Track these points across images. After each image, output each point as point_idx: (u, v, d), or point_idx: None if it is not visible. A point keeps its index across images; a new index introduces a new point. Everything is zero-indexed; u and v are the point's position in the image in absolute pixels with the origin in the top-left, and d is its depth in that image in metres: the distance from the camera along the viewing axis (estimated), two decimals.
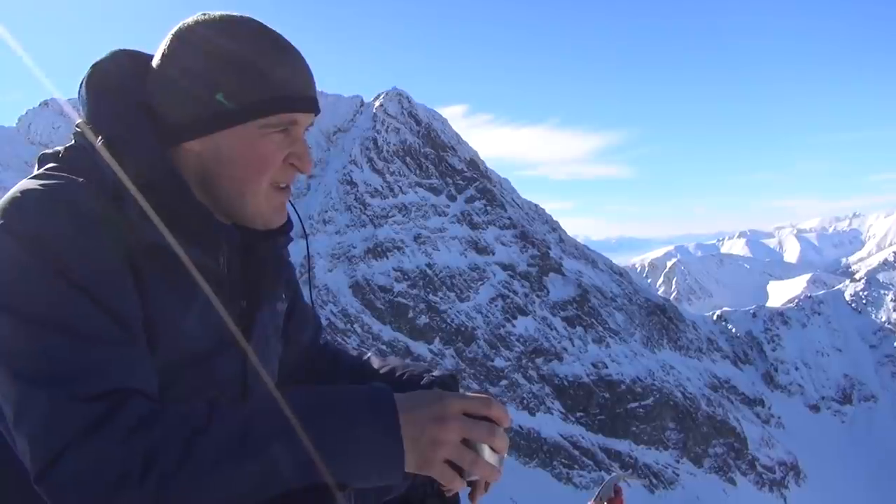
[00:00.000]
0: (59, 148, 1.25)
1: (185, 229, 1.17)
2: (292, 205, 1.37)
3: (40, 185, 1.12)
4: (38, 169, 1.22)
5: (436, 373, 1.53)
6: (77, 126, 1.26)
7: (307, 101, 1.24)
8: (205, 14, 1.24)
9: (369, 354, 1.66)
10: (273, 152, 1.22)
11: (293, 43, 1.26)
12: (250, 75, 1.18)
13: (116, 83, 1.25)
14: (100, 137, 1.20)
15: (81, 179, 1.14)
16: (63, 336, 1.02)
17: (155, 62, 1.25)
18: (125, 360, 1.05)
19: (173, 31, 1.24)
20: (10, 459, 1.06)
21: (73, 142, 1.25)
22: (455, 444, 1.04)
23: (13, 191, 1.12)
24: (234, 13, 1.24)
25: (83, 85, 1.26)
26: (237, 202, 1.24)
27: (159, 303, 1.14)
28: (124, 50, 1.31)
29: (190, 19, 1.24)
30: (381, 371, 1.58)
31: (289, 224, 1.40)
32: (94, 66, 1.27)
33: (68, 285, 1.04)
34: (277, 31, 1.26)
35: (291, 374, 1.56)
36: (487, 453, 1.06)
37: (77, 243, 1.06)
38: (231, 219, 1.28)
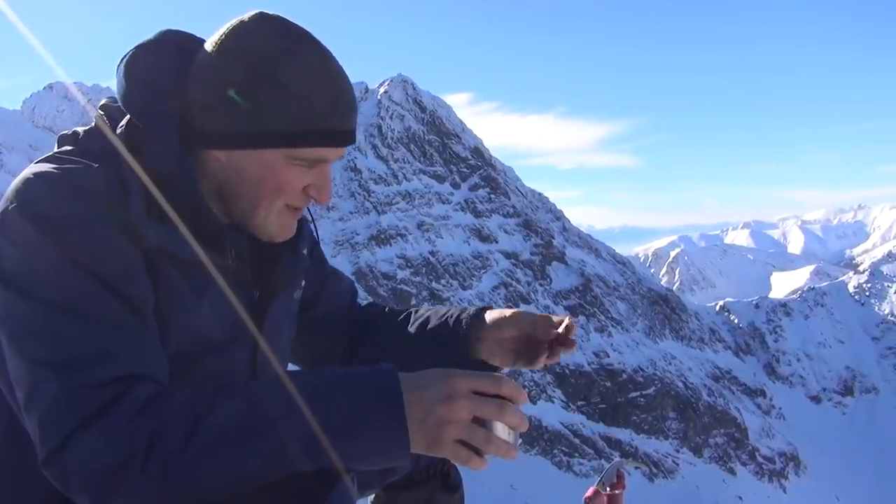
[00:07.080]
0: (80, 129, 1.23)
1: (193, 226, 1.16)
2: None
3: (54, 167, 1.10)
4: (57, 149, 1.20)
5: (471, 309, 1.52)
6: (100, 108, 1.24)
7: (343, 136, 1.20)
8: (262, 16, 1.18)
9: (418, 309, 1.62)
10: (293, 181, 1.20)
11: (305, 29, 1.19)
12: (292, 103, 1.14)
13: (156, 68, 1.20)
14: (122, 124, 1.19)
15: (96, 165, 1.12)
16: (74, 320, 1.02)
17: (201, 56, 1.19)
18: (135, 345, 1.05)
19: (226, 28, 1.18)
20: (20, 444, 1.07)
21: (93, 125, 1.22)
22: (464, 423, 1.00)
23: (26, 172, 1.11)
24: (292, 23, 1.19)
25: (123, 64, 1.21)
26: (247, 215, 1.23)
27: (172, 290, 1.14)
28: (171, 32, 1.26)
29: (247, 17, 1.18)
30: (417, 326, 1.56)
31: (303, 221, 1.41)
32: (138, 47, 1.22)
33: (80, 270, 1.04)
34: (329, 48, 1.20)
35: (334, 342, 1.60)
36: (502, 430, 1.03)
37: (89, 228, 1.06)
38: (240, 225, 1.27)
